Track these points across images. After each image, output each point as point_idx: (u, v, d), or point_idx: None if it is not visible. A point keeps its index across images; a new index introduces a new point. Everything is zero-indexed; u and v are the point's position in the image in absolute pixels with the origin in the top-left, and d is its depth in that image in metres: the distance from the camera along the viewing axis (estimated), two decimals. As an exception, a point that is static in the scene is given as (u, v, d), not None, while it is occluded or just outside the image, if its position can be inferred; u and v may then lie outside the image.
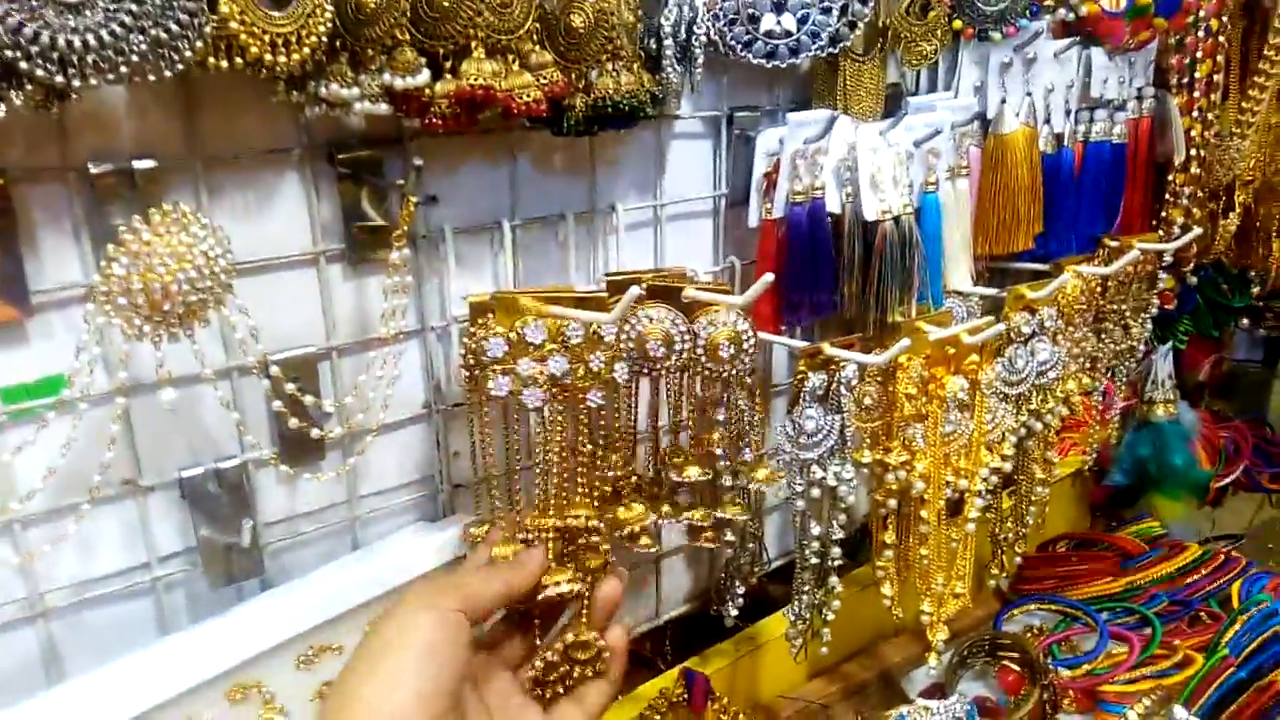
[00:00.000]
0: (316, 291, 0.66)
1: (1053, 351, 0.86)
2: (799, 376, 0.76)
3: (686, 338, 0.66)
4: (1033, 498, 0.95)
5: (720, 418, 0.74)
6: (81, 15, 0.46)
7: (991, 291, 0.88)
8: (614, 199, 0.76)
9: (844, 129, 0.77)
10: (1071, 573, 1.12)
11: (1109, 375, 1.04)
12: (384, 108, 0.58)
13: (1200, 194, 1.06)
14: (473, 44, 0.59)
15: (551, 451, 0.63)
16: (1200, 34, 0.98)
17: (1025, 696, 0.90)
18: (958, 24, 0.84)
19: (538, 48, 0.61)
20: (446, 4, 0.57)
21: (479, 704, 0.55)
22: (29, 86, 0.47)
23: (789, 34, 0.74)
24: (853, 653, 1.03)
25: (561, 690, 0.60)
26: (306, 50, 0.53)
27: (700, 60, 0.70)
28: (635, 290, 0.57)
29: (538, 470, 0.65)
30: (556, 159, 0.73)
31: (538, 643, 0.62)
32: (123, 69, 0.48)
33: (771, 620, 0.96)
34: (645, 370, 0.66)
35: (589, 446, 0.67)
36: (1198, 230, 1.02)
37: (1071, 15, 0.91)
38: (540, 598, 0.61)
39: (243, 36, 0.51)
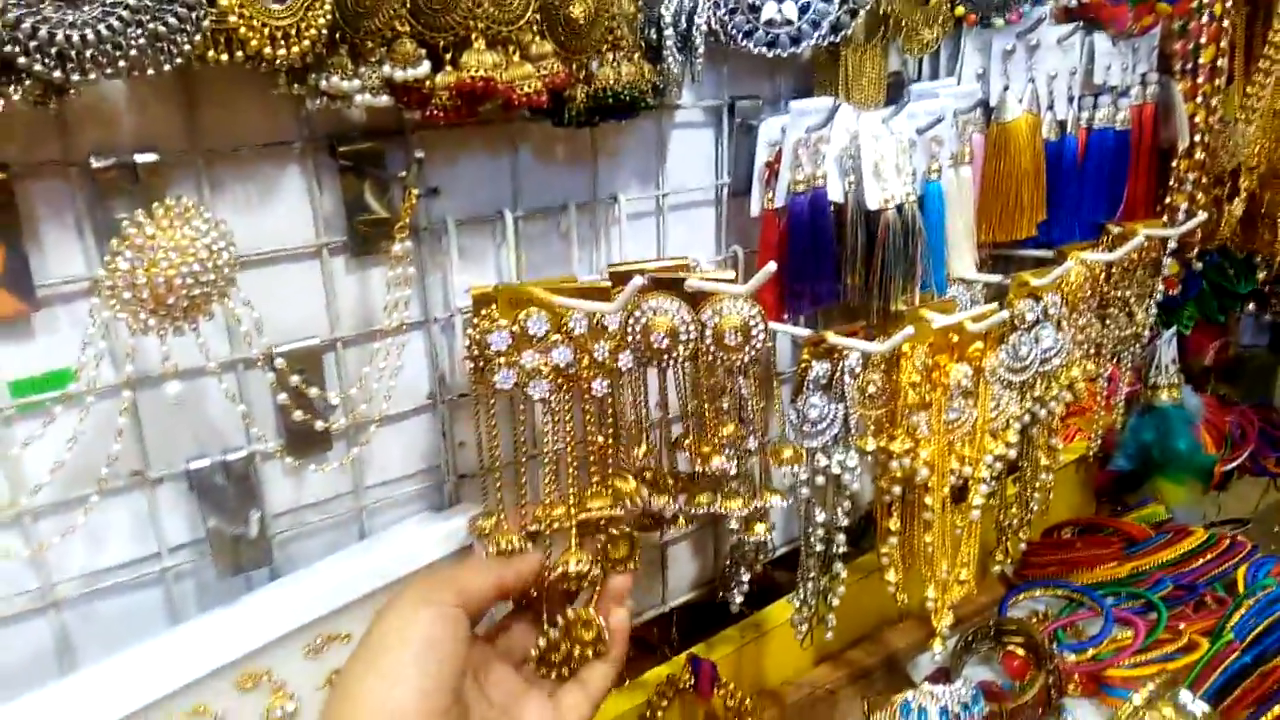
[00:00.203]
0: (320, 284, 0.66)
1: (1057, 338, 0.86)
2: (803, 365, 0.76)
3: (693, 328, 0.66)
4: (1037, 484, 0.95)
5: (724, 406, 0.74)
6: (79, 9, 0.46)
7: (995, 279, 0.88)
8: (616, 189, 0.76)
9: (846, 117, 0.77)
10: (1076, 558, 1.12)
11: (1114, 361, 1.04)
12: (385, 100, 0.58)
13: (1205, 180, 1.06)
14: (473, 35, 0.59)
15: (559, 442, 0.63)
16: (1204, 19, 0.98)
17: (1030, 681, 0.91)
18: (960, 10, 0.83)
19: (538, 38, 0.61)
20: (446, -5, 0.57)
21: (480, 696, 0.56)
22: (28, 82, 0.47)
23: (790, 22, 0.74)
24: (858, 639, 1.03)
25: (565, 673, 0.61)
26: (306, 43, 0.53)
27: (701, 50, 0.70)
28: (638, 280, 0.57)
29: (545, 461, 0.65)
30: (558, 150, 0.73)
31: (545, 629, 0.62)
32: (121, 63, 0.48)
33: (777, 607, 0.96)
34: (651, 362, 0.67)
35: (600, 438, 0.68)
36: (1202, 216, 1.01)
37: (1074, 1, 0.90)
38: (553, 576, 0.61)
39: (242, 30, 0.51)
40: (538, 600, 0.63)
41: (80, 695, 0.57)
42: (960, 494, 0.82)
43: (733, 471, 0.75)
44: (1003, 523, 0.98)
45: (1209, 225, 1.10)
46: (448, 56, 0.59)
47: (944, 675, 0.95)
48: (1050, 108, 0.90)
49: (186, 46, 0.50)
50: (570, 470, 0.66)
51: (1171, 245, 1.01)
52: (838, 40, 0.77)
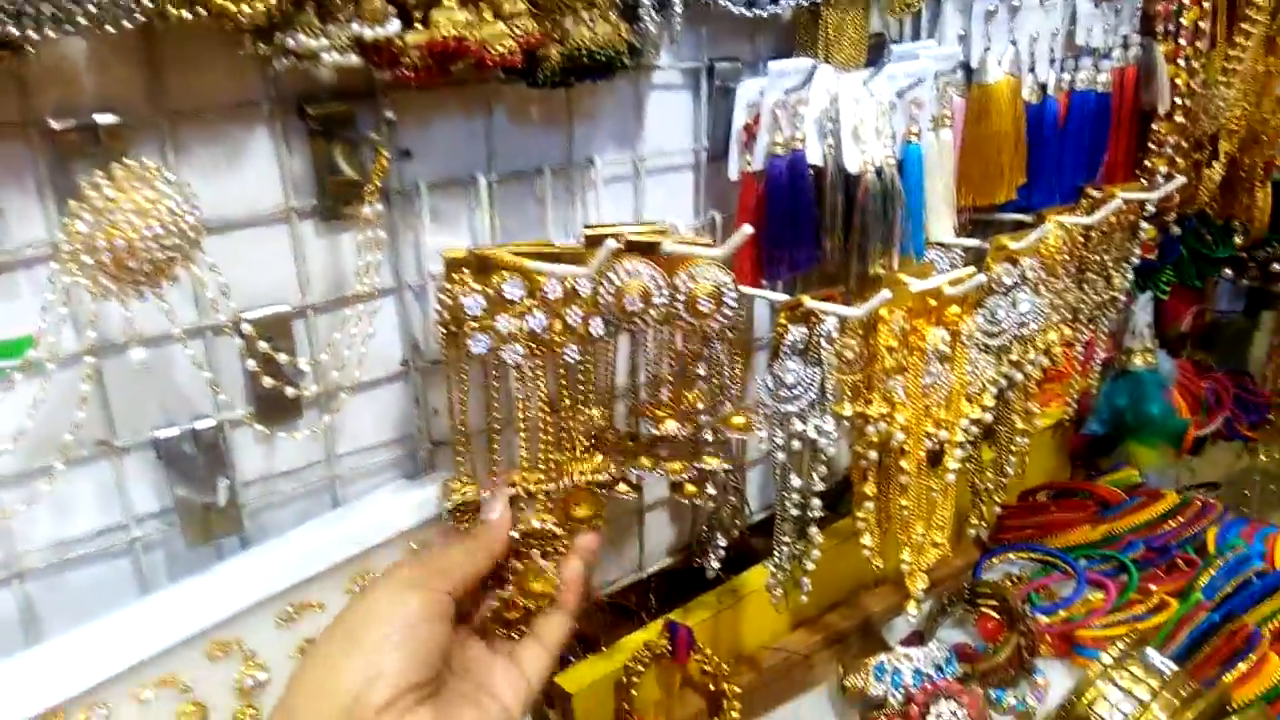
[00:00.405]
0: (289, 249, 0.65)
1: (1034, 302, 0.86)
2: (779, 330, 0.76)
3: (665, 292, 0.66)
4: (1013, 448, 0.96)
5: (701, 372, 0.74)
6: (33, -36, 0.45)
7: (974, 243, 0.88)
8: (592, 152, 0.75)
9: (825, 79, 0.76)
10: (1050, 521, 1.13)
11: (1090, 326, 1.04)
12: (353, 59, 0.56)
13: (1185, 143, 1.05)
14: (443, -8, 0.57)
15: (531, 408, 0.63)
16: (1187, -21, 0.97)
17: (1003, 642, 0.92)
18: (941, -30, 0.82)
19: (510, -5, 0.60)
20: (415, -50, 0.55)
21: (446, 667, 0.56)
22: (-19, 39, 0.45)
23: (769, -20, 0.72)
24: (834, 603, 1.04)
25: (523, 630, 0.61)
26: (271, 0, 0.51)
27: (679, 9, 0.69)
28: (611, 243, 0.56)
29: (520, 427, 0.65)
30: (533, 111, 0.71)
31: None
32: (81, 20, 0.46)
33: (754, 573, 0.96)
34: (624, 326, 0.66)
35: (566, 401, 0.67)
36: (1180, 179, 1.01)
37: (1057, -39, 0.89)
38: (518, 530, 0.61)
39: (203, -16, 0.49)
40: (500, 569, 0.63)
41: (47, 665, 0.57)
42: (936, 458, 0.82)
43: (709, 437, 0.75)
44: (978, 486, 0.98)
45: (1187, 190, 1.10)
46: (418, 15, 0.57)
47: (919, 638, 0.97)
48: (1031, 70, 0.89)
49: (148, 2, 0.48)
50: (547, 435, 0.65)
51: (1149, 209, 1.01)
52: (818, 0, 0.76)
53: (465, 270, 0.62)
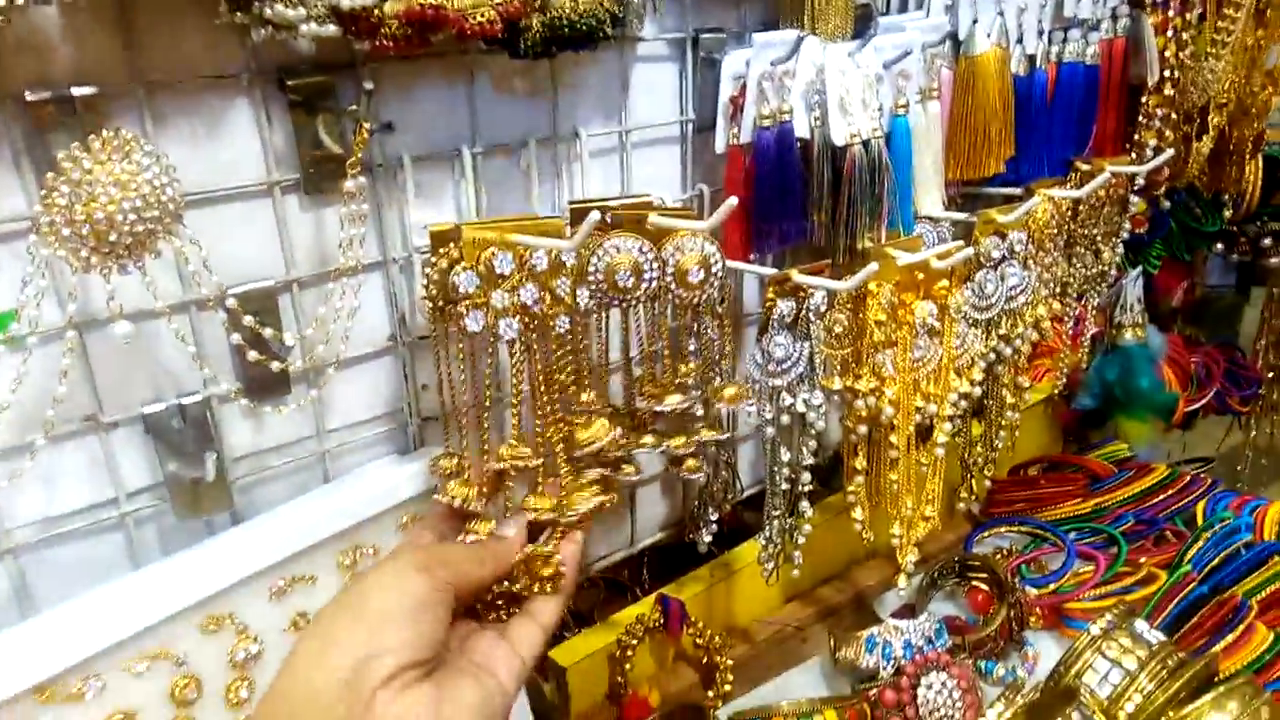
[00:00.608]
0: (273, 223, 0.64)
1: (1022, 276, 0.86)
2: (768, 304, 0.76)
3: (655, 265, 0.66)
4: (1002, 422, 0.96)
5: (692, 347, 0.74)
6: (3, -71, 0.44)
7: (962, 216, 0.88)
8: (577, 125, 0.75)
9: (812, 50, 0.75)
10: (1041, 495, 1.14)
11: (1079, 300, 1.04)
12: (332, 29, 0.56)
13: (1174, 116, 1.05)
14: (422, -40, 0.57)
15: (524, 382, 0.63)
16: (1177, -51, 0.96)
17: (993, 615, 0.92)
18: (929, -60, 0.82)
19: (490, -36, 0.59)
20: (393, -82, 0.55)
21: (444, 647, 0.56)
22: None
23: (754, -50, 0.72)
24: (827, 577, 1.05)
25: (513, 610, 0.61)
26: (247, -33, 0.51)
27: (662, -22, 0.68)
28: (595, 215, 0.56)
29: (513, 402, 0.64)
30: (516, 83, 0.71)
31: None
32: (53, -13, 0.46)
33: (746, 547, 0.97)
34: (615, 301, 0.66)
35: (559, 376, 0.67)
36: (1169, 152, 1.01)
37: (1046, -69, 0.89)
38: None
39: (178, -48, 0.49)
40: None
41: (40, 638, 0.57)
42: (926, 432, 0.82)
43: (699, 410, 0.75)
44: (968, 460, 0.98)
45: (1177, 163, 1.10)
46: (396, -17, 0.57)
47: (909, 611, 0.97)
48: (1019, 41, 0.89)
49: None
50: (546, 407, 0.65)
51: (1139, 183, 1.01)
52: (804, -31, 0.75)
53: (450, 245, 0.61)
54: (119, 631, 0.58)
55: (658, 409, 0.72)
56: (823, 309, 0.75)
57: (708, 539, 0.90)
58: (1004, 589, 0.94)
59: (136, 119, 0.57)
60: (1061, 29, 0.93)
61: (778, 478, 0.81)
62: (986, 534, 1.10)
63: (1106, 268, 1.04)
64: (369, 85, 0.61)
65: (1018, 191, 0.91)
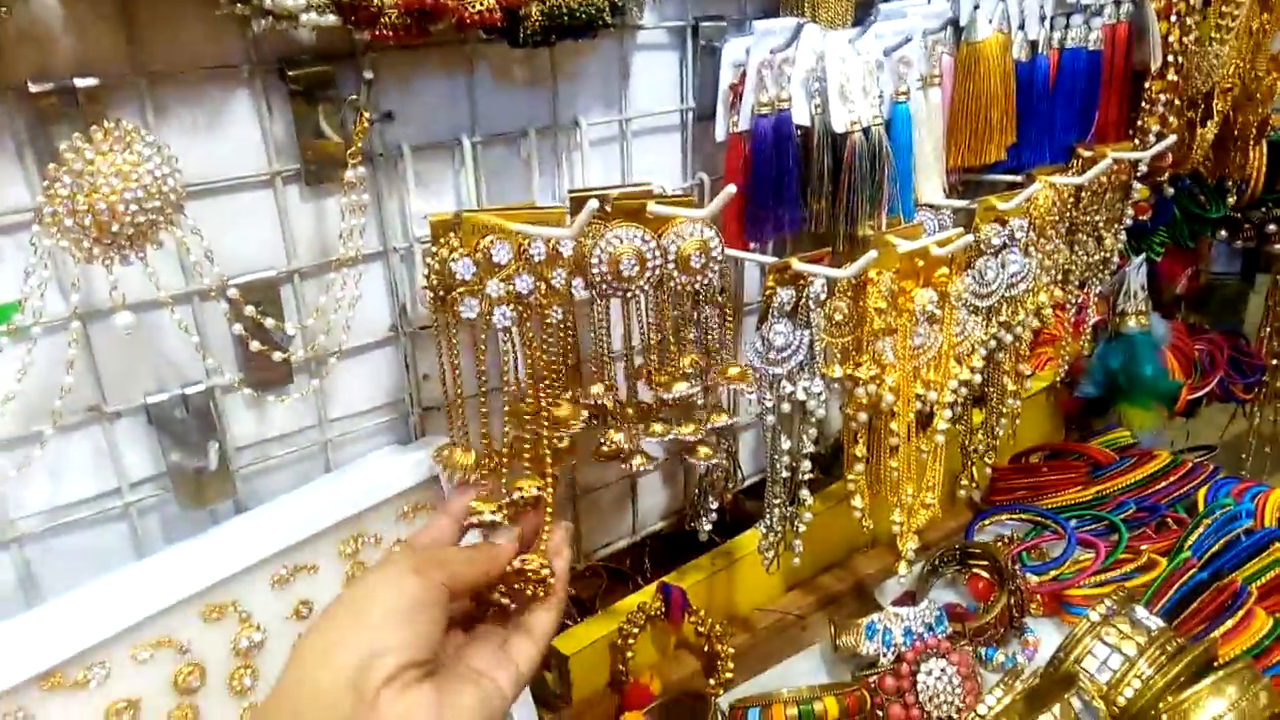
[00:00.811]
0: (274, 213, 0.65)
1: (1023, 263, 0.86)
2: (768, 292, 0.76)
3: (657, 253, 0.66)
4: (1003, 410, 0.96)
5: (693, 336, 0.74)
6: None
7: (963, 204, 0.87)
8: (577, 113, 0.75)
9: (812, 37, 0.75)
10: (1042, 483, 1.14)
11: (1081, 287, 1.04)
12: (332, 19, 0.56)
13: (1178, 102, 1.04)
14: (421, -50, 0.57)
15: (519, 370, 0.63)
16: (1180, -66, 0.96)
17: (994, 602, 0.93)
18: (930, -74, 0.81)
19: (489, -47, 0.59)
20: (391, -93, 0.55)
21: (443, 653, 0.56)
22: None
23: (753, -63, 0.72)
24: (828, 565, 1.05)
25: (508, 620, 0.62)
26: (245, -42, 0.51)
27: (661, -34, 0.68)
28: (593, 203, 0.56)
29: (506, 391, 0.65)
30: (516, 72, 0.71)
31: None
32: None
33: (747, 535, 0.97)
34: (618, 291, 0.66)
35: (560, 368, 0.67)
36: (1171, 139, 1.00)
37: (1048, -85, 0.88)
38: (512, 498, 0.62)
39: (176, -57, 0.49)
40: None
41: (45, 627, 0.57)
42: (927, 420, 0.82)
43: (700, 400, 0.75)
44: (969, 448, 0.99)
45: (1181, 149, 1.09)
46: (396, -27, 0.57)
47: (910, 598, 0.97)
48: (1021, 27, 0.88)
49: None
50: (533, 396, 0.65)
51: (1141, 169, 1.01)
52: (804, -43, 0.75)
53: (451, 234, 0.61)
54: (123, 620, 0.59)
55: (665, 397, 0.72)
56: (823, 297, 0.75)
57: (708, 527, 0.91)
58: (1004, 576, 0.94)
59: (138, 110, 0.57)
60: (1064, 14, 0.92)
61: (778, 466, 0.81)
62: (988, 521, 1.10)
63: (1109, 255, 1.04)
64: (369, 75, 0.61)
65: (1019, 178, 0.91)
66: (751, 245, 0.80)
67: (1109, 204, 1.00)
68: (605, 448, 0.73)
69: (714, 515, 0.90)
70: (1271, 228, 1.31)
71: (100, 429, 0.63)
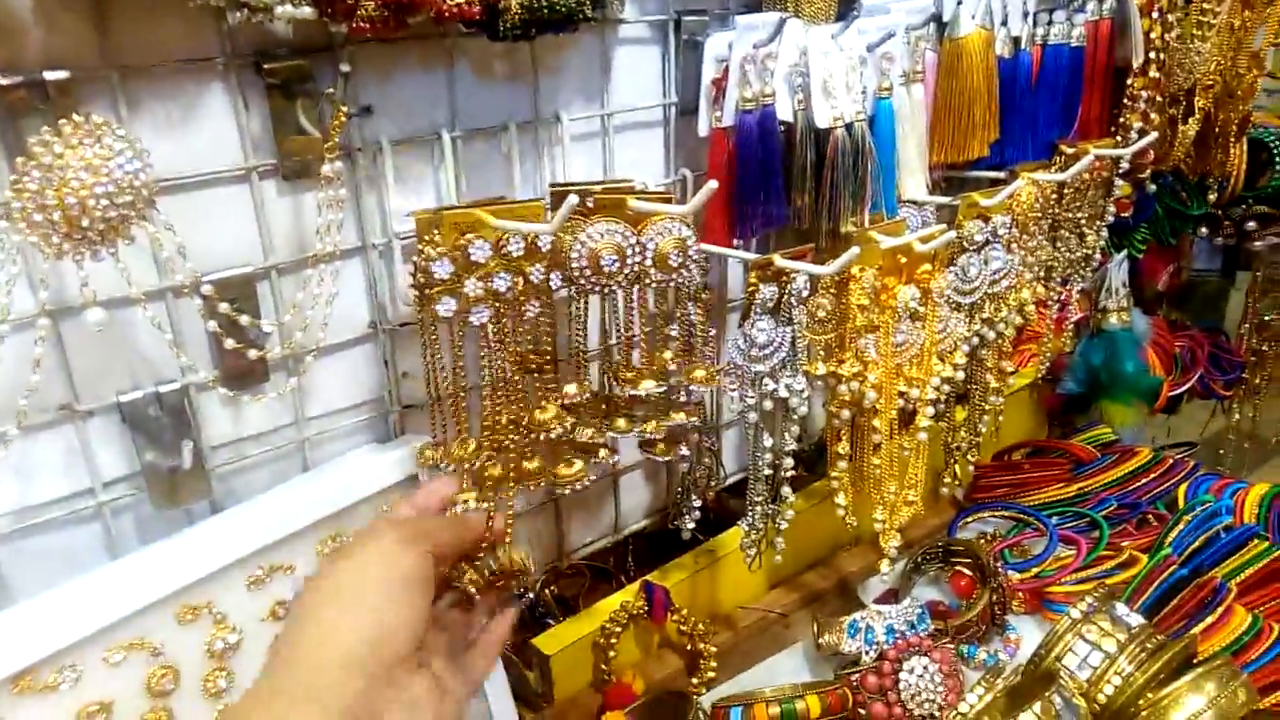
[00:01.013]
0: (250, 209, 0.64)
1: (1006, 260, 0.86)
2: (750, 289, 0.75)
3: (637, 249, 0.66)
4: (985, 407, 0.96)
5: (673, 332, 0.74)
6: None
7: (946, 200, 0.87)
8: (559, 108, 0.74)
9: (794, 32, 0.75)
10: (1025, 480, 1.14)
11: (1064, 284, 1.04)
12: (307, 11, 0.55)
13: (1160, 99, 1.05)
14: (398, -59, 0.56)
15: (501, 366, 0.63)
16: (1162, -70, 0.96)
17: (976, 599, 0.93)
18: (913, -79, 0.81)
19: (468, -55, 0.58)
20: (368, -103, 0.54)
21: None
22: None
23: (736, -69, 0.71)
24: (811, 563, 1.05)
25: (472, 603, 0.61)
26: (218, -52, 0.50)
27: (643, -40, 0.68)
28: (573, 198, 0.56)
29: (483, 387, 0.64)
30: (497, 66, 0.70)
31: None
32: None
33: (730, 534, 0.97)
34: (597, 287, 0.66)
35: (537, 361, 0.67)
36: (1153, 135, 1.01)
37: (1032, -89, 0.88)
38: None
39: (146, -68, 0.48)
40: None
41: (16, 628, 0.56)
42: (910, 417, 0.82)
43: (679, 396, 0.75)
44: (951, 445, 0.99)
45: (1162, 146, 1.10)
46: (372, -35, 0.56)
47: (893, 596, 0.97)
48: (1004, 23, 0.88)
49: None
50: (514, 397, 0.65)
51: (1123, 166, 1.01)
52: (787, -48, 0.75)
53: (435, 231, 0.61)
54: (95, 622, 0.58)
55: (632, 394, 0.72)
56: (805, 293, 0.75)
57: (691, 525, 0.90)
58: (987, 574, 0.94)
59: (110, 104, 0.56)
60: (1047, 10, 0.92)
61: (760, 463, 0.81)
62: (970, 519, 1.10)
63: (1091, 251, 1.04)
64: (346, 68, 0.61)
65: (1002, 175, 0.91)
66: (736, 241, 0.80)
67: (1091, 201, 1.00)
68: (574, 440, 0.73)
69: (697, 513, 0.89)
70: (1252, 225, 1.32)
71: (73, 428, 0.61)
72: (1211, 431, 1.54)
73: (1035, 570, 0.98)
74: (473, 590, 0.60)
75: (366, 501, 0.70)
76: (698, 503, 0.89)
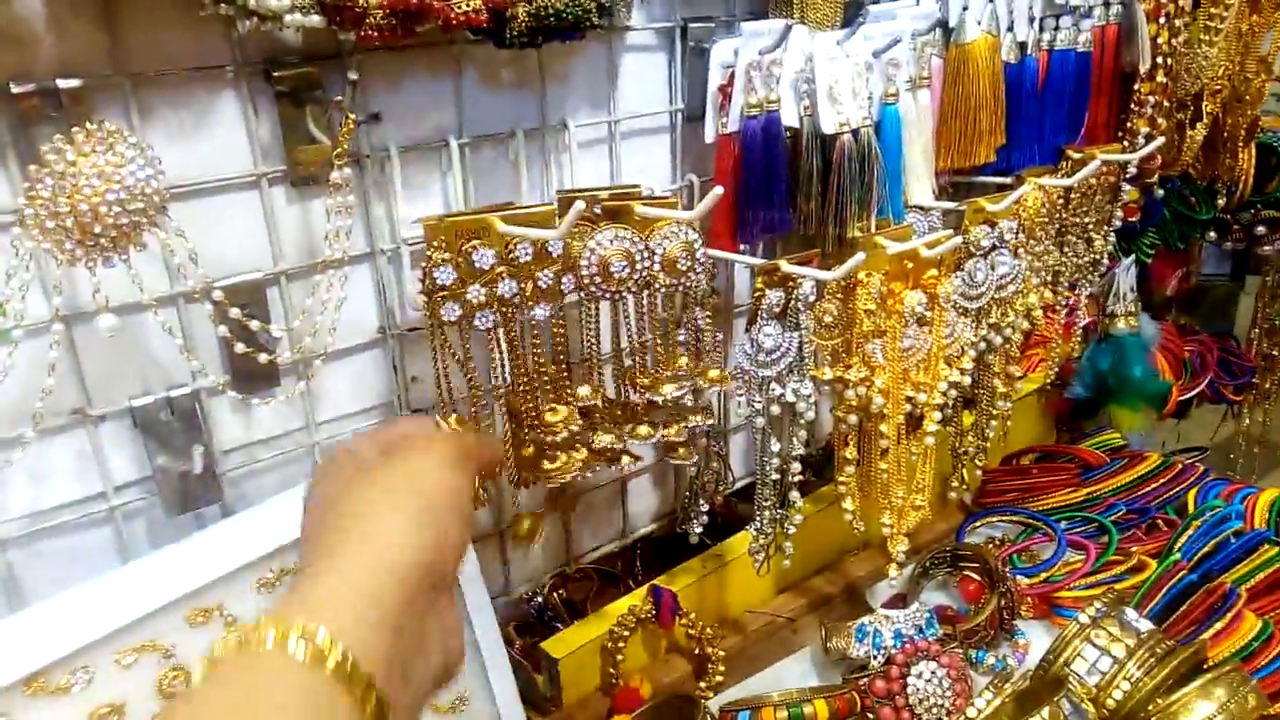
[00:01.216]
0: (261, 215, 0.64)
1: (1013, 265, 0.86)
2: (757, 294, 0.76)
3: (645, 254, 0.66)
4: (993, 412, 0.96)
5: (681, 337, 0.74)
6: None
7: (952, 206, 0.88)
8: (565, 115, 0.74)
9: (800, 39, 0.75)
10: (1033, 485, 1.14)
11: (1072, 289, 1.04)
12: (316, 19, 0.56)
13: (1167, 104, 1.05)
14: (406, -50, 0.56)
15: (515, 369, 0.63)
16: (1169, -64, 0.96)
17: (984, 604, 0.92)
18: (919, -72, 0.81)
19: (475, -46, 0.59)
20: (376, -93, 0.54)
21: None
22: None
23: (742, -62, 0.72)
24: (819, 568, 1.05)
25: None
26: (229, -42, 0.51)
27: (649, -33, 0.68)
28: (579, 205, 0.56)
29: (498, 391, 0.65)
30: (504, 74, 0.71)
31: None
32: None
33: (738, 538, 0.97)
34: (607, 293, 0.66)
35: (552, 368, 0.67)
36: (1159, 140, 1.01)
37: (1038, -82, 0.88)
38: None
39: (158, -58, 0.49)
40: None
41: (27, 631, 0.57)
42: (917, 422, 0.82)
43: (690, 401, 0.75)
44: (958, 450, 0.99)
45: (1170, 151, 1.10)
46: (381, -26, 0.57)
47: (901, 600, 0.97)
48: (1010, 29, 0.88)
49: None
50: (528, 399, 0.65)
51: (1131, 171, 1.01)
52: (793, -42, 0.75)
53: (443, 237, 0.61)
54: (107, 624, 0.58)
55: (652, 399, 0.72)
56: (812, 299, 0.75)
57: (699, 530, 0.91)
58: (995, 578, 0.94)
59: (122, 112, 0.57)
60: (1053, 16, 0.92)
61: (768, 468, 0.81)
62: (979, 524, 1.10)
63: (1098, 256, 1.04)
64: (354, 76, 0.61)
65: (1008, 180, 0.91)
66: (742, 247, 0.80)
67: (1098, 206, 1.00)
68: (594, 447, 0.73)
69: (705, 518, 0.90)
70: (1261, 229, 1.31)
71: (85, 432, 0.62)
72: (1222, 436, 1.53)
73: (1044, 575, 0.98)
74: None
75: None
76: (706, 507, 0.89)
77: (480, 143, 0.71)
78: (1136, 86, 1.01)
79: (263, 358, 0.63)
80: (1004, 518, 1.11)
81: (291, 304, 0.67)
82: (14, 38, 0.53)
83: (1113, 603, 0.86)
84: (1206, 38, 1.03)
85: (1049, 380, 1.18)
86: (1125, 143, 1.03)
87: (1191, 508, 1.06)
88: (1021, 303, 0.91)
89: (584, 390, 0.70)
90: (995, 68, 0.86)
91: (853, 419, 0.81)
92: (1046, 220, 0.92)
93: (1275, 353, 1.47)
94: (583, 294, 0.67)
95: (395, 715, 0.37)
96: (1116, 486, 1.11)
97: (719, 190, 0.60)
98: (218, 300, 0.60)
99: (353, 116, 0.61)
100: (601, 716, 0.84)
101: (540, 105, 0.73)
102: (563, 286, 0.62)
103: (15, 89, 0.53)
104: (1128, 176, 1.01)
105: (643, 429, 0.74)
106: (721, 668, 0.89)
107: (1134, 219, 1.11)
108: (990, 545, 1.05)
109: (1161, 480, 1.11)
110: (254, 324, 0.62)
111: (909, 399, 0.80)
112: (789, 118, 0.76)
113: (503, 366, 0.66)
